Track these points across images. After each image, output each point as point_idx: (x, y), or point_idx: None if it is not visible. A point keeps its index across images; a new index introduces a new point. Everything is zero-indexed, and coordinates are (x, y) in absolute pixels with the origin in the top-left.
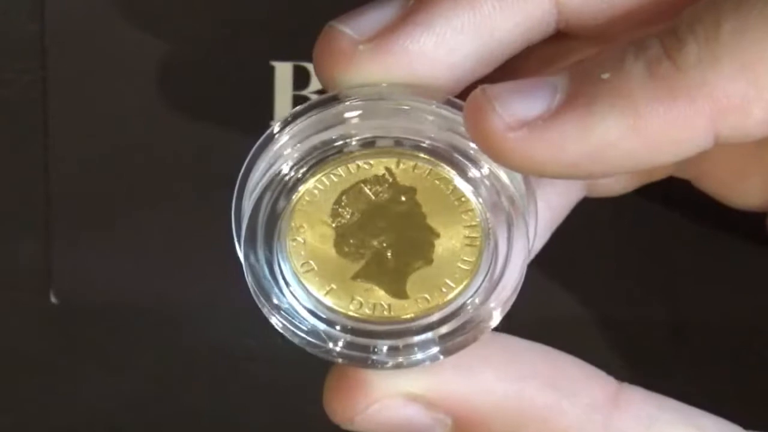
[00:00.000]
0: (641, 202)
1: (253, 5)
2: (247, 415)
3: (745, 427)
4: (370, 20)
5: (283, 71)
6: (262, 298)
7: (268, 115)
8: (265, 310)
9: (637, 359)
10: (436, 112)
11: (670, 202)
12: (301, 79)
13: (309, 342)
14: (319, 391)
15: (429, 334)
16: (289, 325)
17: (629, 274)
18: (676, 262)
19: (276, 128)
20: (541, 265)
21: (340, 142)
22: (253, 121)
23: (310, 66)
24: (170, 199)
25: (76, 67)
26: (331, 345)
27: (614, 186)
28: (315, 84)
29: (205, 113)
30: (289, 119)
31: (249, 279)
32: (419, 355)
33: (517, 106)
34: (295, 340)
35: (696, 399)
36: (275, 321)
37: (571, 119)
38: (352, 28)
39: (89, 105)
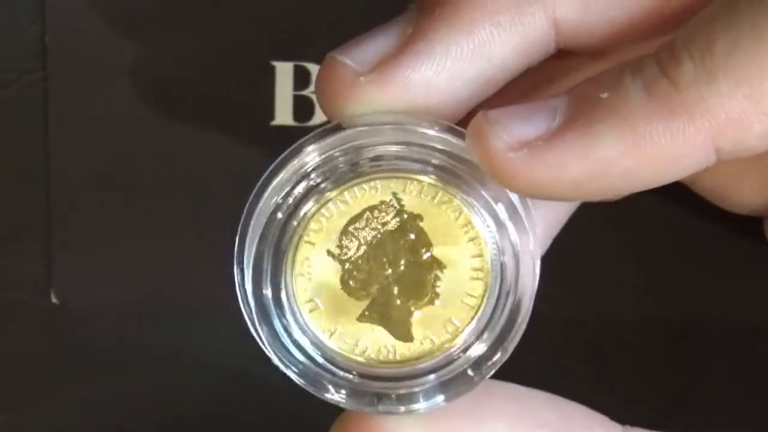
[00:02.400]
0: (641, 202)
1: (253, 5)
2: (247, 415)
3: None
4: (370, 50)
5: (283, 71)
6: (268, 342)
7: (268, 115)
8: (267, 350)
9: (637, 360)
10: (442, 138)
11: (670, 202)
12: (301, 79)
13: (312, 386)
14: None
15: (432, 377)
16: (291, 366)
17: (629, 275)
18: (675, 262)
19: (280, 161)
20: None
21: (349, 165)
22: (253, 121)
23: (310, 66)
24: (170, 200)
25: (76, 67)
26: (333, 391)
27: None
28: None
29: (205, 113)
30: (293, 151)
31: (254, 320)
32: (422, 402)
33: (518, 128)
34: (298, 382)
35: (694, 399)
36: (276, 360)
37: (571, 139)
38: (352, 59)
39: (89, 105)
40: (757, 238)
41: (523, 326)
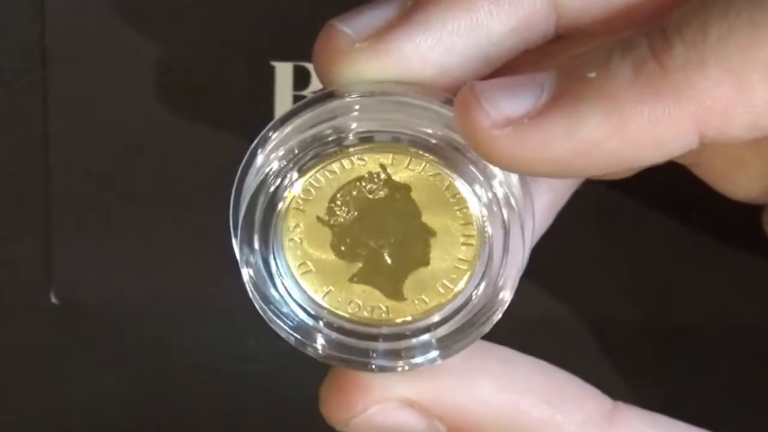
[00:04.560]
0: (640, 202)
1: (253, 5)
2: (246, 415)
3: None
4: (368, 19)
5: (283, 71)
6: (259, 299)
7: (268, 115)
8: (262, 311)
9: (633, 360)
10: (433, 110)
11: (669, 202)
12: (301, 79)
13: (305, 343)
14: (318, 391)
15: (427, 336)
16: (285, 327)
17: (625, 275)
18: (673, 262)
19: (272, 126)
20: (536, 265)
21: (336, 137)
22: (253, 121)
23: (310, 66)
24: (170, 199)
25: (76, 67)
26: (327, 347)
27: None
28: (315, 84)
29: (205, 113)
30: (286, 116)
31: (246, 279)
32: (418, 359)
33: (504, 104)
34: (291, 341)
35: (693, 400)
36: (271, 320)
37: (556, 118)
38: (350, 27)
39: (89, 105)
40: (755, 237)
41: (515, 285)
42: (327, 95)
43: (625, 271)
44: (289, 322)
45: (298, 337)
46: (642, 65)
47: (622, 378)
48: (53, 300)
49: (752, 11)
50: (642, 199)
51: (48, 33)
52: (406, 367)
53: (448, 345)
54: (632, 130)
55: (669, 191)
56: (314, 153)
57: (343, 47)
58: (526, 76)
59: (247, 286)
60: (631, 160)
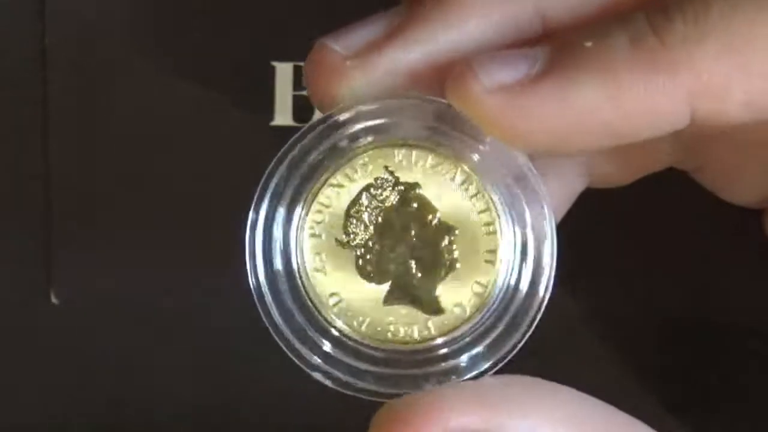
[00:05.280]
0: (641, 203)
1: (253, 5)
2: (247, 416)
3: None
4: (358, 37)
5: (283, 71)
6: (304, 359)
7: (268, 115)
8: (311, 372)
9: (638, 358)
10: (423, 104)
11: (670, 203)
12: (301, 79)
13: (362, 389)
14: (317, 390)
15: (479, 348)
16: (336, 374)
17: (630, 273)
18: (676, 260)
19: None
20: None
21: (333, 145)
22: (252, 121)
23: None
24: (170, 199)
25: (76, 67)
26: (375, 385)
27: (614, 176)
28: None
29: (206, 113)
30: (286, 150)
31: (288, 343)
32: (470, 372)
33: (498, 72)
34: (348, 391)
35: (694, 400)
36: (319, 377)
37: (550, 84)
38: (340, 45)
39: (89, 105)
40: (758, 234)
41: (553, 267)
42: (318, 122)
43: (626, 270)
44: (350, 375)
45: (363, 385)
46: (640, 38)
47: (626, 378)
48: (53, 300)
49: None
50: (644, 200)
51: (48, 33)
52: (459, 380)
53: (496, 350)
54: (627, 99)
55: (671, 192)
56: (316, 167)
57: (334, 65)
58: (520, 49)
59: (295, 358)
60: (624, 132)
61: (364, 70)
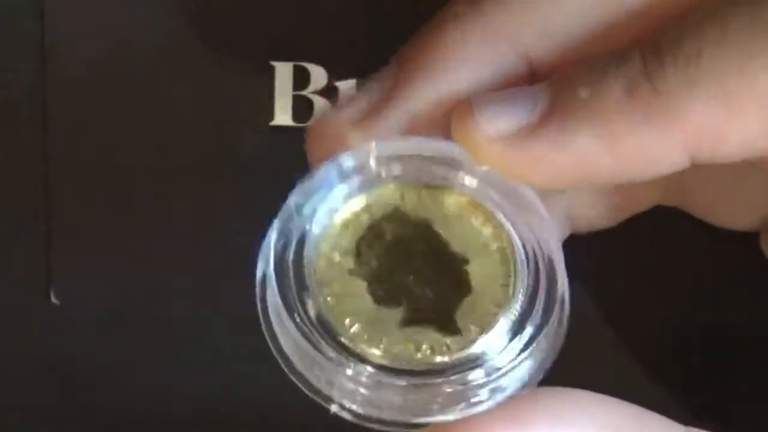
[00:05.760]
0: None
1: (253, 5)
2: (246, 417)
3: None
4: (353, 107)
5: (283, 71)
6: (325, 394)
7: (268, 115)
8: (332, 407)
9: (642, 361)
10: (424, 143)
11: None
12: (301, 79)
13: (381, 419)
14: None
15: (494, 368)
16: (352, 406)
17: (628, 276)
18: (678, 264)
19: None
20: None
21: (340, 182)
22: (252, 121)
23: (310, 66)
24: (170, 199)
25: (76, 67)
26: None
27: (598, 221)
28: (315, 84)
29: (206, 113)
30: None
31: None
32: (505, 392)
33: (498, 119)
34: (366, 423)
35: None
36: (347, 415)
37: (548, 136)
38: (339, 116)
39: (89, 105)
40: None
41: (566, 295)
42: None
43: (630, 275)
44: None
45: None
46: (634, 85)
47: (624, 380)
48: (53, 300)
49: (747, 37)
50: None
51: (48, 33)
52: (477, 409)
53: (515, 378)
54: (623, 148)
55: None
56: (324, 204)
57: (337, 134)
58: (521, 89)
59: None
60: (622, 178)
61: (363, 134)
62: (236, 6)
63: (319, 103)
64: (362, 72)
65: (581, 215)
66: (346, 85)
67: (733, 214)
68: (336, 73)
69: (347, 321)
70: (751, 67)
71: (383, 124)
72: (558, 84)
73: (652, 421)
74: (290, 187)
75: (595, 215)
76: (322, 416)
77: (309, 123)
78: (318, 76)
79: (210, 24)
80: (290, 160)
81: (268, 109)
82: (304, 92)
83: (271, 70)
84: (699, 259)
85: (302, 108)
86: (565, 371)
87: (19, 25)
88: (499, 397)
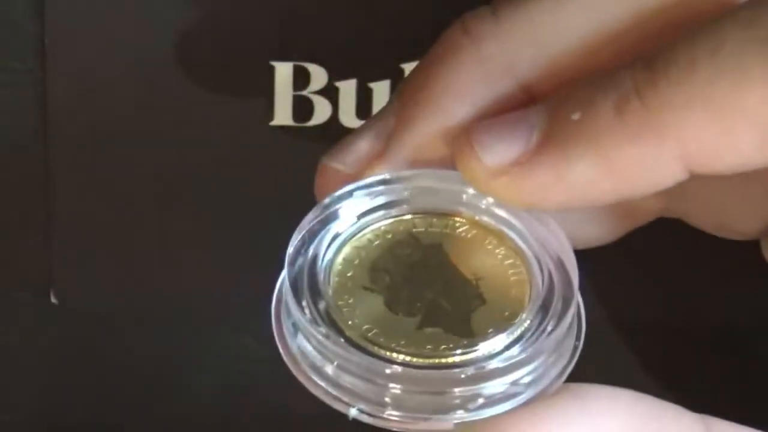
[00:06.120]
0: None
1: (253, 5)
2: (246, 415)
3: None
4: (357, 153)
5: (283, 71)
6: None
7: (268, 115)
8: (351, 411)
9: (639, 362)
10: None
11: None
12: (301, 79)
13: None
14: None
15: (516, 371)
16: (367, 408)
17: (630, 277)
18: (676, 263)
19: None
20: None
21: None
22: (252, 121)
23: (310, 66)
24: (170, 199)
25: (76, 67)
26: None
27: (598, 236)
28: (315, 84)
29: (205, 113)
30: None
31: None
32: (516, 396)
33: (497, 150)
34: (382, 424)
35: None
36: (367, 419)
37: (546, 164)
38: (342, 164)
39: (89, 105)
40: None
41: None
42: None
43: (626, 274)
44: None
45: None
46: (625, 103)
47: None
48: (53, 300)
49: (743, 52)
50: None
51: (48, 33)
52: (498, 410)
53: (538, 381)
54: (619, 168)
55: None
56: (339, 229)
57: (340, 184)
58: (517, 115)
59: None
60: (624, 196)
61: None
62: (236, 6)
63: (320, 103)
64: (362, 72)
65: (581, 232)
66: (346, 85)
67: (734, 223)
68: (336, 73)
69: (365, 327)
70: (744, 83)
71: (392, 163)
72: (552, 107)
73: (668, 410)
74: (298, 194)
75: (595, 232)
76: (323, 416)
77: (320, 164)
78: (318, 76)
79: (210, 24)
80: (290, 160)
81: (268, 109)
82: (304, 92)
83: (271, 70)
84: (701, 260)
85: (302, 108)
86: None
87: (19, 25)
88: (521, 397)
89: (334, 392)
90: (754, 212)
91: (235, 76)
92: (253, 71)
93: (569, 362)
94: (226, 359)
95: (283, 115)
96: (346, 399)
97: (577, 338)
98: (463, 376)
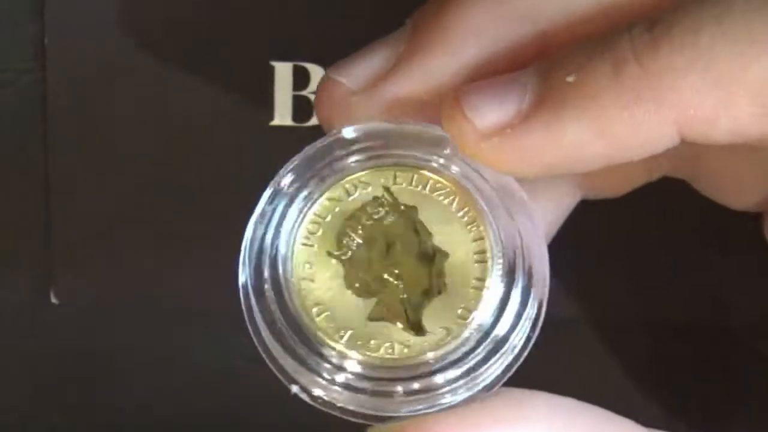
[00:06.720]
0: (639, 203)
1: (253, 5)
2: (246, 415)
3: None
4: (362, 69)
5: (283, 71)
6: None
7: (268, 115)
8: (289, 385)
9: (636, 362)
10: (423, 131)
11: (667, 203)
12: (301, 79)
13: (337, 406)
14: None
15: (456, 371)
16: (313, 390)
17: (626, 276)
18: (672, 263)
19: (279, 174)
20: None
21: (332, 159)
22: (253, 121)
23: (310, 66)
24: (170, 199)
25: (76, 67)
26: (348, 398)
27: (608, 188)
28: (315, 84)
29: (206, 113)
30: (291, 164)
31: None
32: (454, 396)
33: (488, 112)
34: (322, 407)
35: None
36: (297, 390)
37: (539, 125)
38: (346, 77)
39: (89, 105)
40: (755, 237)
41: (545, 298)
42: (325, 137)
43: (621, 272)
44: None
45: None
46: (621, 64)
47: (620, 379)
48: (53, 300)
49: (750, 20)
50: (642, 201)
51: (48, 33)
52: (435, 409)
53: (479, 376)
54: (614, 131)
55: (668, 191)
56: (316, 177)
57: (341, 99)
58: (509, 76)
59: (262, 353)
60: (617, 158)
61: (369, 103)
62: (236, 6)
63: None
64: None
65: (589, 185)
66: None
67: (737, 191)
68: None
69: (316, 305)
70: (749, 52)
71: (388, 94)
72: (546, 69)
73: (613, 423)
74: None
75: (602, 185)
76: (322, 416)
77: (319, 82)
78: (318, 76)
79: (210, 24)
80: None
81: (268, 109)
82: (304, 92)
83: (271, 70)
84: (697, 257)
85: (302, 108)
86: (562, 371)
87: (19, 25)
88: (458, 398)
89: (280, 366)
90: (756, 183)
91: (235, 76)
92: (253, 71)
93: (515, 362)
94: (226, 359)
95: (282, 115)
96: (286, 378)
97: (528, 340)
98: (399, 378)
